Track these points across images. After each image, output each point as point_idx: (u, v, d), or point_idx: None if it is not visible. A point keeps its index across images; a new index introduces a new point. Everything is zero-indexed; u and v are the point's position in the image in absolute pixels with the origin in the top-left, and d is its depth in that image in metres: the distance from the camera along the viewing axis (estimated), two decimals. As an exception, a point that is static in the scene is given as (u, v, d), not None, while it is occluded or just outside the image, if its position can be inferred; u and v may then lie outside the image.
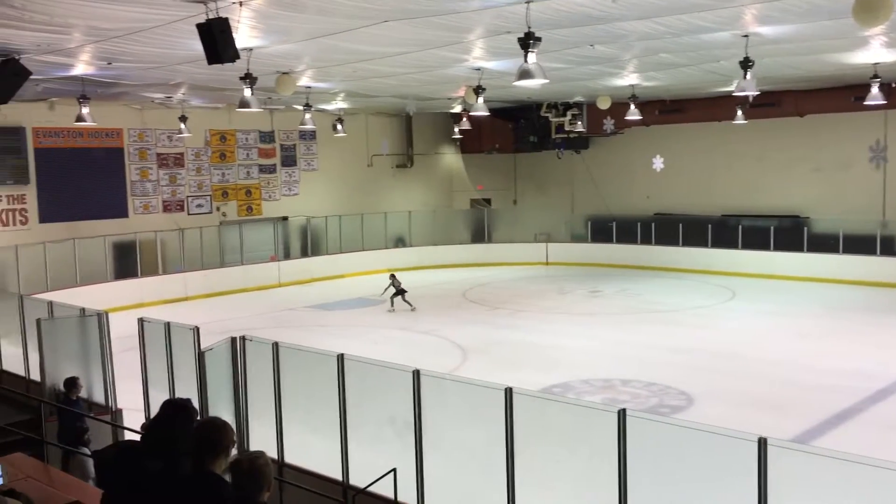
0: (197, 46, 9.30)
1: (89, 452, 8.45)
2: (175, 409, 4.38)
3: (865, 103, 17.80)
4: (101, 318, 10.30)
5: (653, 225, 26.63)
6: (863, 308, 19.46)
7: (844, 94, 21.39)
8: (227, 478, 3.94)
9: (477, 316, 19.73)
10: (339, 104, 23.56)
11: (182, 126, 22.05)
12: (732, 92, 14.97)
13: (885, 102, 17.86)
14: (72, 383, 9.77)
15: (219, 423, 4.15)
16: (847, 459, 4.87)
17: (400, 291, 20.44)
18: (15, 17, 9.38)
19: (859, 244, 22.50)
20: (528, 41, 9.87)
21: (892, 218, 23.11)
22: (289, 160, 27.37)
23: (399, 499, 7.16)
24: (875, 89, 17.09)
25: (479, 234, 29.30)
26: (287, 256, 26.21)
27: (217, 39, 8.79)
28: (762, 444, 5.15)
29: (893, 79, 19.31)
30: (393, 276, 20.82)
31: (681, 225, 25.88)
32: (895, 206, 23.34)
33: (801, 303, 20.24)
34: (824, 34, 12.88)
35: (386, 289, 20.61)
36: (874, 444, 10.12)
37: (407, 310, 20.25)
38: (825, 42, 13.87)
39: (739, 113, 21.74)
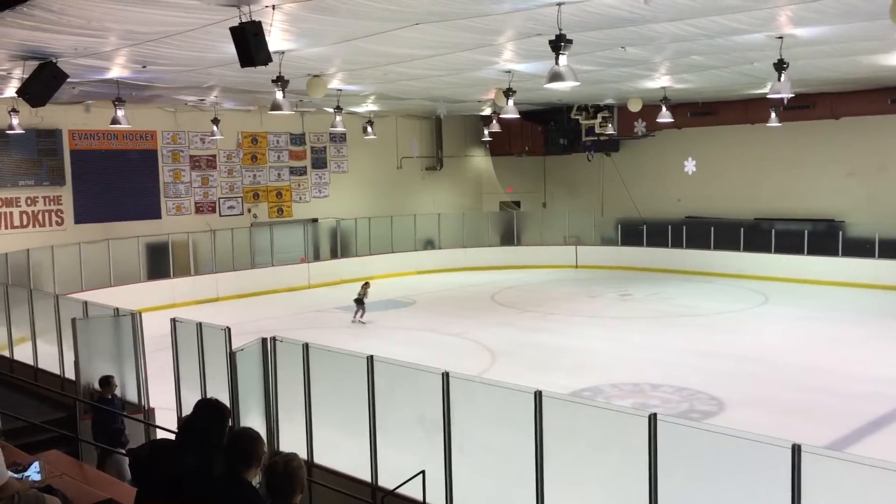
0: (230, 49, 9.40)
1: (125, 452, 8.56)
2: (209, 408, 4.43)
3: (902, 106, 17.52)
4: (135, 317, 10.44)
5: (684, 228, 26.40)
6: (899, 314, 19.13)
7: (880, 96, 21.07)
8: (259, 480, 4.00)
9: (506, 319, 19.69)
10: (369, 107, 23.66)
11: (214, 128, 22.28)
12: (766, 94, 14.81)
13: (922, 105, 17.54)
14: (106, 382, 9.91)
15: (254, 435, 4.26)
16: (883, 467, 4.78)
17: (359, 301, 19.48)
18: (52, 22, 9.54)
19: (895, 249, 22.11)
20: (559, 43, 9.85)
21: (929, 222, 22.69)
22: (319, 162, 27.54)
23: (427, 501, 7.16)
24: (912, 91, 16.80)
25: (509, 237, 29.24)
26: (317, 258, 26.36)
27: (250, 43, 8.88)
28: (796, 450, 5.08)
29: (931, 81, 18.98)
30: (366, 286, 19.95)
31: (713, 228, 25.62)
32: (933, 210, 22.92)
33: (836, 308, 19.93)
34: (860, 35, 12.69)
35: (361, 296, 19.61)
36: (911, 452, 9.93)
37: (359, 323, 19.25)
38: (861, 44, 13.67)
39: (773, 115, 21.49)
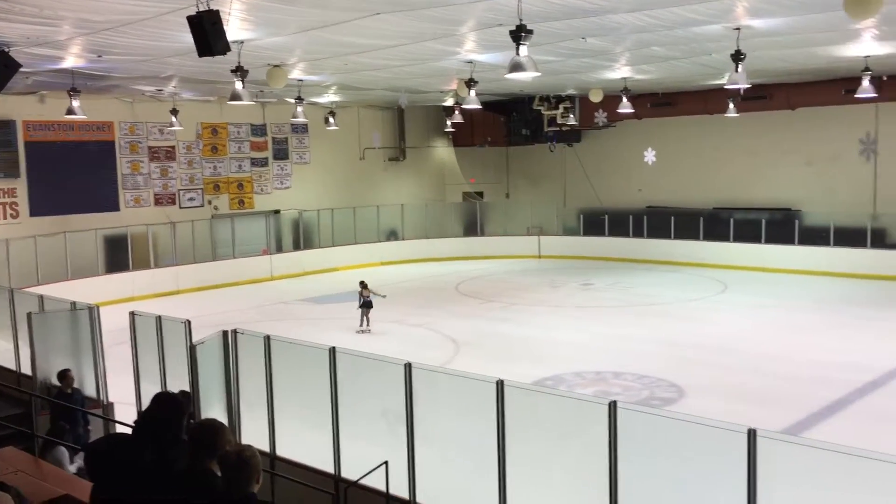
0: (188, 39, 9.26)
1: (64, 445, 8.45)
2: (166, 401, 4.39)
3: (856, 96, 17.84)
4: (93, 311, 10.28)
5: (645, 218, 26.69)
6: (853, 300, 19.54)
7: (835, 87, 21.45)
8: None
9: (469, 309, 19.74)
10: (331, 97, 23.50)
11: (173, 119, 21.96)
12: (724, 85, 14.98)
13: (875, 95, 17.89)
14: (63, 376, 9.78)
15: (217, 426, 4.21)
16: (836, 451, 4.90)
17: (366, 304, 17.22)
18: (3, 10, 9.32)
19: (850, 237, 22.60)
20: (519, 34, 9.85)
21: (882, 210, 23.20)
22: (281, 153, 27.31)
23: (391, 491, 7.17)
24: (866, 82, 17.12)
25: (472, 228, 29.30)
26: (279, 250, 26.17)
27: (208, 32, 8.75)
28: (752, 435, 5.18)
29: (884, 72, 19.37)
30: (363, 286, 17.47)
31: (673, 218, 25.94)
32: (886, 198, 23.43)
33: (793, 296, 20.32)
34: (816, 27, 12.91)
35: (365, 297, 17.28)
36: (864, 435, 10.18)
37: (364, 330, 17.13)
38: (816, 35, 13.90)
39: (731, 106, 21.79)
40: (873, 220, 22.80)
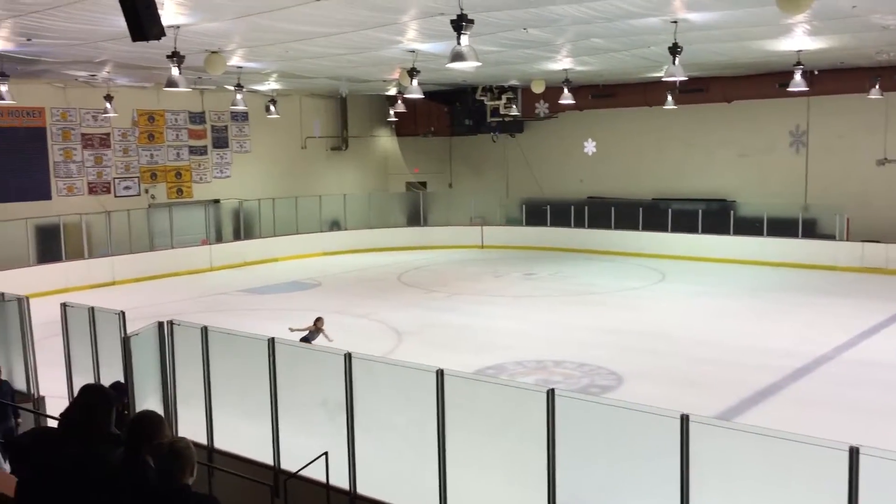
0: (121, 23, 8.98)
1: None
2: (93, 394, 4.28)
3: (789, 90, 18.31)
4: (22, 302, 9.95)
5: (586, 208, 27.01)
6: (785, 288, 20.12)
7: (769, 80, 22.00)
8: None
9: (412, 299, 19.74)
10: (271, 85, 23.18)
11: (108, 105, 21.40)
12: (662, 77, 15.23)
13: (807, 89, 18.39)
14: (-12, 367, 9.49)
15: (154, 418, 4.15)
16: (765, 434, 5.03)
17: (306, 340, 13.23)
18: (-76, -11, 8.95)
19: (782, 227, 23.26)
20: (460, 23, 9.85)
21: (813, 202, 23.92)
22: (220, 142, 26.85)
23: (331, 482, 7.14)
24: (798, 76, 17.57)
25: (415, 218, 29.27)
26: (219, 240, 25.76)
27: (141, 15, 8.50)
28: (684, 420, 5.29)
29: (816, 66, 19.91)
30: (319, 322, 13.88)
31: (613, 208, 26.32)
32: (816, 190, 24.17)
33: (727, 284, 20.82)
34: (750, 21, 13.21)
35: (299, 329, 13.59)
36: (793, 419, 10.49)
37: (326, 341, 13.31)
38: (750, 29, 14.22)
39: (669, 98, 22.17)
40: (804, 211, 23.49)
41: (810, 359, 13.75)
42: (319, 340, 13.60)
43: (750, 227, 23.84)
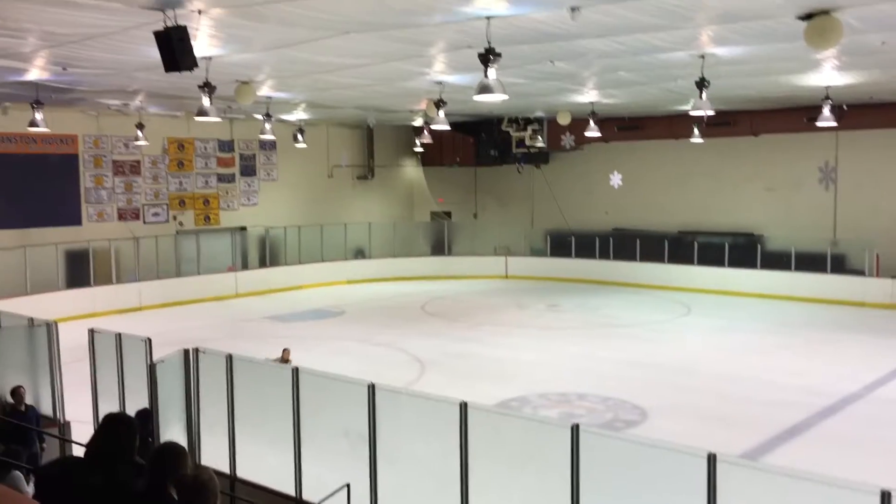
0: (155, 53, 9.18)
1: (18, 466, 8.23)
2: (116, 423, 4.31)
3: (817, 124, 18.19)
4: (51, 327, 10.08)
5: (611, 240, 26.91)
6: (814, 325, 19.84)
7: (797, 114, 21.88)
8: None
9: (436, 329, 19.71)
10: (299, 115, 23.44)
11: (139, 133, 21.74)
12: (690, 112, 15.20)
13: (835, 124, 18.26)
14: (13, 393, 9.58)
15: (178, 449, 4.16)
16: (795, 476, 4.94)
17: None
18: (-34, 20, 9.19)
19: (811, 262, 22.98)
20: (488, 57, 9.93)
21: (842, 237, 23.64)
22: (248, 170, 27.14)
23: (352, 514, 7.09)
24: (826, 111, 17.46)
25: (439, 247, 29.31)
26: (245, 267, 25.93)
27: (175, 47, 8.70)
28: (712, 460, 5.21)
29: (844, 101, 19.78)
30: (286, 353, 14.18)
31: (638, 240, 26.18)
32: (845, 224, 23.89)
33: (755, 319, 20.57)
34: (777, 56, 13.17)
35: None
36: (821, 459, 10.31)
37: None
38: (779, 64, 14.18)
39: (696, 131, 22.11)
40: (833, 246, 23.21)
41: (839, 397, 13.52)
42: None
43: (777, 261, 23.58)
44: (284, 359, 14.03)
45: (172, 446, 4.25)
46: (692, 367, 15.61)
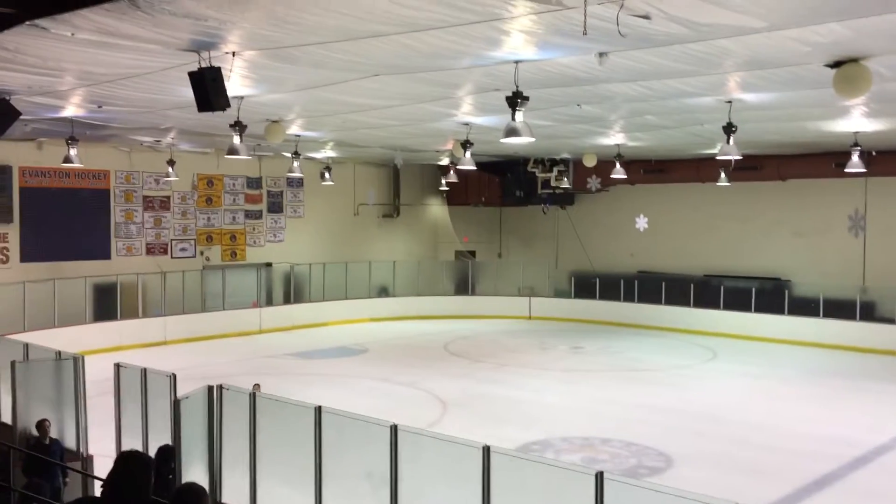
0: (188, 93, 9.38)
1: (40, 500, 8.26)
2: (131, 462, 4.34)
3: (846, 170, 18.09)
4: (77, 361, 10.17)
5: (636, 282, 26.75)
6: (843, 373, 19.50)
7: (826, 160, 21.77)
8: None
9: (458, 369, 19.62)
10: (327, 153, 23.72)
11: (170, 169, 22.09)
12: (717, 156, 15.19)
13: (864, 170, 18.16)
14: (39, 426, 9.66)
15: (199, 491, 4.17)
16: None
17: None
18: (7, 60, 9.44)
19: (839, 309, 22.66)
20: (515, 100, 10.03)
21: (871, 284, 23.33)
22: (275, 206, 27.42)
23: (372, 557, 7.02)
24: (855, 157, 17.37)
25: (463, 286, 29.31)
26: (269, 303, 26.07)
27: (209, 88, 8.88)
28: (739, 512, 5.11)
29: (873, 147, 19.67)
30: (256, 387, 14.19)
31: (663, 283, 26.01)
32: (874, 271, 23.59)
33: (782, 366, 20.28)
34: (806, 102, 13.16)
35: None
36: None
37: None
38: (807, 110, 14.17)
39: (723, 175, 22.05)
40: (862, 293, 22.90)
41: (869, 448, 13.23)
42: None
43: (805, 307, 23.27)
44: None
45: (194, 488, 4.26)
46: (718, 414, 15.38)
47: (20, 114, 12.24)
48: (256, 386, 14.35)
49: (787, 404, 16.38)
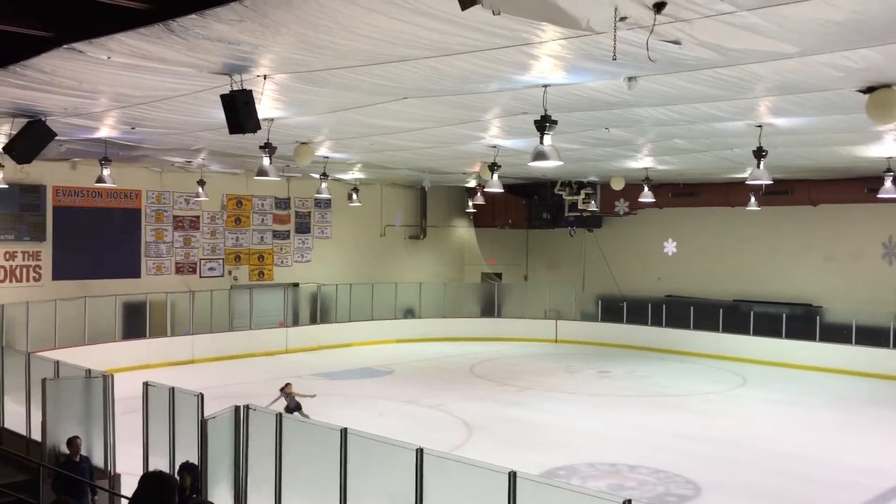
0: (219, 115, 9.51)
1: None
2: (155, 482, 4.36)
3: (879, 196, 17.85)
4: (107, 380, 10.27)
5: (663, 307, 26.51)
6: (875, 401, 19.14)
7: (857, 185, 21.49)
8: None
9: (483, 392, 19.53)
10: (355, 174, 23.87)
11: (200, 190, 22.35)
12: (747, 181, 15.07)
13: (897, 196, 17.89)
14: (70, 443, 9.74)
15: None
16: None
17: (297, 408, 14.59)
18: (44, 82, 9.63)
19: (872, 336, 22.26)
20: (544, 124, 10.05)
21: (905, 311, 22.92)
22: (303, 227, 27.60)
23: (396, 582, 6.98)
24: (888, 182, 17.11)
25: (489, 309, 29.23)
26: (296, 323, 26.17)
27: (240, 110, 8.99)
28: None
29: (906, 172, 19.38)
30: (287, 387, 15.11)
31: (692, 308, 25.74)
32: (908, 298, 23.18)
33: (813, 393, 19.95)
34: (838, 128, 13.03)
35: (273, 401, 14.19)
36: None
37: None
38: (839, 135, 14.02)
39: (752, 199, 21.85)
40: (896, 320, 22.51)
41: (904, 479, 12.95)
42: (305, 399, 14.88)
43: (837, 333, 22.89)
44: (287, 392, 14.42)
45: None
46: (747, 442, 15.13)
47: (55, 134, 12.46)
48: (288, 385, 14.54)
49: (818, 432, 16.10)
